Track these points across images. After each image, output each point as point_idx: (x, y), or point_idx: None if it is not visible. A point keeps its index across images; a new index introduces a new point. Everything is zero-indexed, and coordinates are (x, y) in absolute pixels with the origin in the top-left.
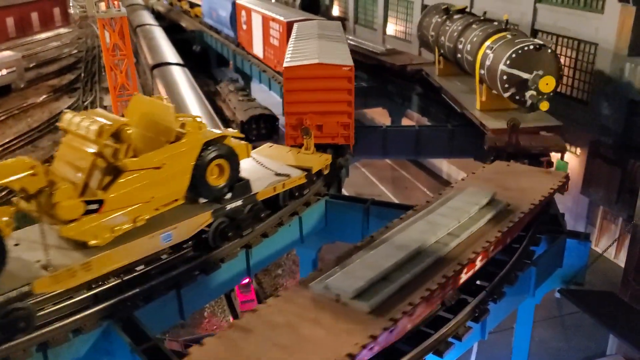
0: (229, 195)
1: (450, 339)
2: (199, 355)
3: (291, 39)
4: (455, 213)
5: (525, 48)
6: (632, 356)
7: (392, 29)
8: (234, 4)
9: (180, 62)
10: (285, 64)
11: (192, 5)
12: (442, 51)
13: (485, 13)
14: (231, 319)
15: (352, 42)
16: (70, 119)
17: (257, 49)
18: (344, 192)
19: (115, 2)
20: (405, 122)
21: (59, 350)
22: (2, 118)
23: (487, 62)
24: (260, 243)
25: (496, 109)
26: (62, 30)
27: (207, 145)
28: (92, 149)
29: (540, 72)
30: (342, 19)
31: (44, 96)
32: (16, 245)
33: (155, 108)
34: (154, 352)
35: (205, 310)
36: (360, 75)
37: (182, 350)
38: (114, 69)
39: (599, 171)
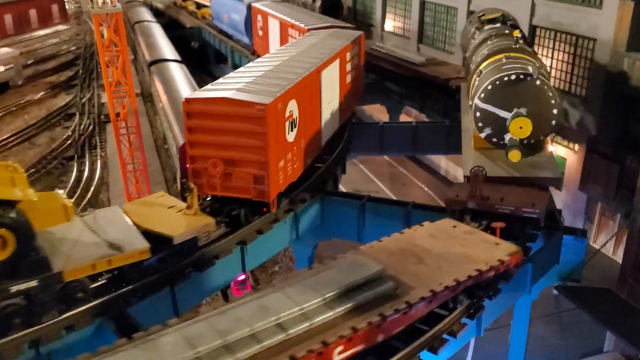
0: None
1: (445, 336)
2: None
3: (256, 61)
4: (304, 295)
5: (506, 78)
6: (629, 353)
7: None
8: (249, 8)
9: (178, 58)
10: (187, 95)
11: (199, 6)
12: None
13: (509, 26)
14: None
15: (382, 51)
16: None
17: None
18: (341, 188)
19: None
20: (403, 118)
21: (51, 347)
22: (0, 115)
23: (472, 92)
24: (255, 240)
25: (494, 147)
26: (60, 27)
27: None
28: None
29: (523, 111)
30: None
31: (42, 93)
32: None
33: None
34: None
35: (201, 306)
36: (392, 87)
37: None
38: (110, 65)
39: (597, 167)
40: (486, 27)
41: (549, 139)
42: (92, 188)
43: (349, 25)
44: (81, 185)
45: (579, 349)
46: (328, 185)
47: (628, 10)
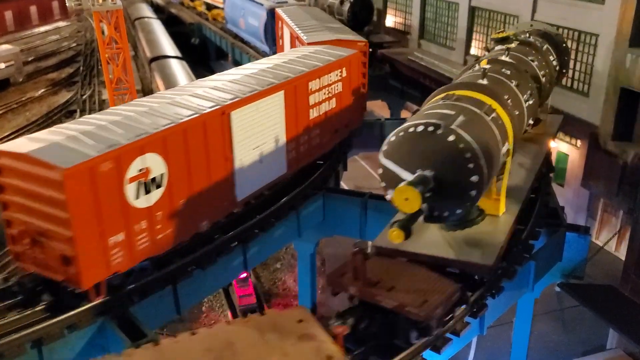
0: None
1: (448, 335)
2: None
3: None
4: None
5: (412, 129)
6: (632, 350)
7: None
8: (270, 13)
9: (179, 55)
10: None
11: (210, 7)
12: None
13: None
14: (229, 314)
15: (422, 63)
16: None
17: None
18: (343, 185)
19: None
20: (405, 114)
21: (53, 347)
22: (1, 112)
23: None
24: (257, 237)
25: None
26: (61, 24)
27: None
28: None
29: (428, 173)
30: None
31: (43, 90)
32: None
33: None
34: None
35: (203, 304)
36: (392, 83)
37: None
38: (111, 62)
39: (600, 163)
40: (497, 48)
41: None
42: None
43: (361, 39)
44: None
45: (582, 345)
46: (329, 183)
47: (631, 6)
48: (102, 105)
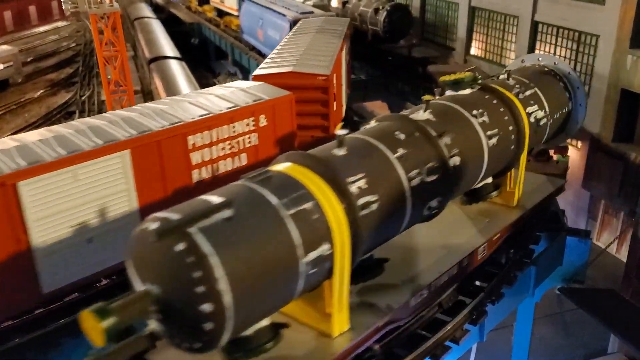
0: None
1: (447, 343)
2: None
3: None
4: None
5: (147, 224)
6: (633, 355)
7: None
8: (295, 25)
9: (178, 55)
10: None
11: (222, 13)
12: None
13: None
14: None
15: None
16: None
17: None
18: None
19: None
20: None
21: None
22: (0, 113)
23: None
24: None
25: None
26: (60, 24)
27: None
28: None
29: (155, 289)
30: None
31: (42, 91)
32: None
33: None
34: None
35: None
36: (393, 84)
37: None
38: (108, 63)
39: (601, 165)
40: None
41: None
42: None
43: (322, 73)
44: None
45: (583, 349)
46: None
47: (631, 7)
48: (101, 106)
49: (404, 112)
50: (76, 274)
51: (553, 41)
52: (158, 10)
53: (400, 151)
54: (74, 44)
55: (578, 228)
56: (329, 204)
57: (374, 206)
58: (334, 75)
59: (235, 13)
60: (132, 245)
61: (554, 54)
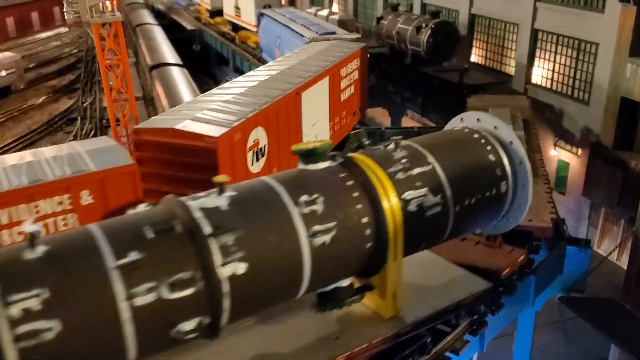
0: None
1: (447, 354)
2: None
3: None
4: None
5: None
6: None
7: None
8: None
9: (180, 62)
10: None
11: (237, 27)
12: None
13: None
14: None
15: None
16: None
17: None
18: None
19: (114, 1)
20: (405, 121)
21: None
22: (2, 120)
23: None
24: None
25: None
26: (62, 30)
27: None
28: None
29: None
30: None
31: (44, 97)
32: None
33: None
34: None
35: None
36: (393, 90)
37: None
38: (109, 70)
39: (601, 172)
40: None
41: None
42: None
43: (210, 134)
44: None
45: (584, 357)
46: None
47: (630, 15)
48: (102, 113)
49: (192, 196)
50: None
51: (553, 49)
52: (159, 16)
53: (132, 256)
54: (75, 50)
55: (578, 237)
56: None
57: (48, 336)
58: (241, 134)
59: (253, 28)
60: None
61: (554, 61)
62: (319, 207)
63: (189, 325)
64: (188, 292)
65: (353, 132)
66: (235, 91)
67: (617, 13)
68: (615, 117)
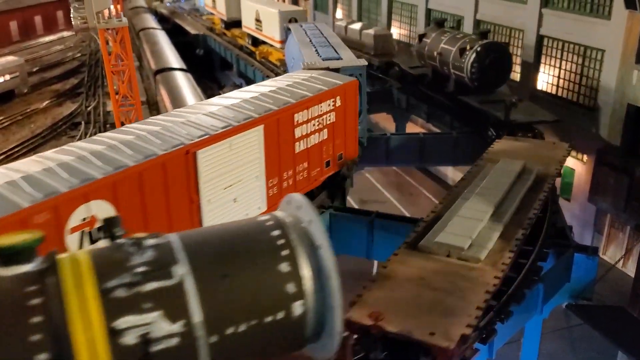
0: None
1: None
2: None
3: None
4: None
5: None
6: None
7: None
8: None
9: (184, 67)
10: None
11: (257, 41)
12: None
13: None
14: None
15: None
16: None
17: None
18: (349, 198)
19: (118, 6)
20: (409, 126)
21: None
22: (6, 124)
23: None
24: None
25: None
26: (65, 33)
27: None
28: None
29: None
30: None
31: (47, 101)
32: None
33: None
34: None
35: None
36: (397, 96)
37: None
38: (115, 74)
39: (607, 178)
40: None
41: None
42: None
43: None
44: None
45: None
46: (336, 200)
47: (637, 22)
48: (106, 117)
49: None
50: None
51: (558, 55)
52: (163, 20)
53: None
54: (79, 54)
55: (586, 245)
56: None
57: None
58: (51, 213)
59: (277, 44)
60: None
61: (560, 67)
62: None
63: None
64: None
65: None
66: (95, 147)
67: (623, 20)
68: (622, 124)
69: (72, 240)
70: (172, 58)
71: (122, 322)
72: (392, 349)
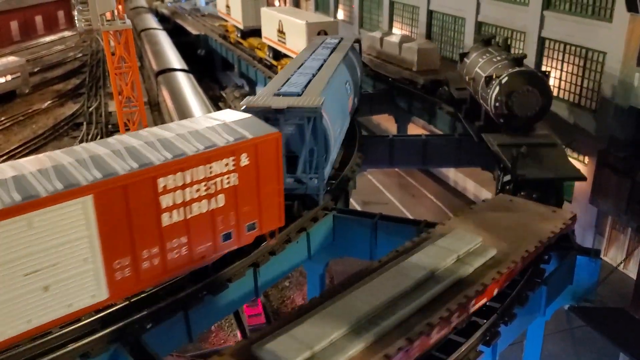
0: None
1: None
2: None
3: None
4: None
5: None
6: None
7: None
8: None
9: (185, 67)
10: None
11: (279, 55)
12: None
13: None
14: (238, 334)
15: None
16: None
17: None
18: (351, 200)
19: (120, 8)
20: (411, 128)
21: None
22: (7, 124)
23: None
24: (268, 261)
25: None
26: (66, 33)
27: None
28: None
29: None
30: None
31: (49, 102)
32: None
33: None
34: None
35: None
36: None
37: None
38: (120, 80)
39: (608, 181)
40: None
41: None
42: None
43: None
44: None
45: None
46: (339, 202)
47: (638, 24)
48: (108, 118)
49: None
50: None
51: (560, 57)
52: (163, 20)
53: None
54: (80, 54)
55: (588, 247)
56: None
57: None
58: None
59: (294, 53)
60: None
61: (561, 69)
62: None
63: None
64: None
65: None
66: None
67: (625, 23)
68: (623, 126)
69: None
70: (174, 59)
71: None
72: None
